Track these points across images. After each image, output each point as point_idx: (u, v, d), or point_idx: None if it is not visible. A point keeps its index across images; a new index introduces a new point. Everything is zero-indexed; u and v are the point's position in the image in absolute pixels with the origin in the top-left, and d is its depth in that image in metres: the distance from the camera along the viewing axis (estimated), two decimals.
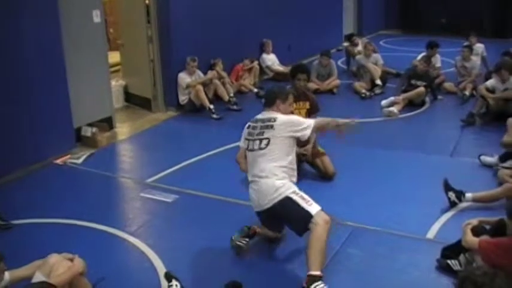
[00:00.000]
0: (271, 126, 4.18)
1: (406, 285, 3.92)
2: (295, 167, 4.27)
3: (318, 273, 3.70)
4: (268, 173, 4.10)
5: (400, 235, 4.59)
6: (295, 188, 4.07)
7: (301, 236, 4.00)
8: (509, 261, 3.36)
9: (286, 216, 4.12)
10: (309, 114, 5.76)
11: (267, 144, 4.15)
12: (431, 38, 10.37)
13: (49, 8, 6.27)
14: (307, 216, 3.85)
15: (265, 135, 4.18)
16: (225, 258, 4.31)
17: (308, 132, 4.24)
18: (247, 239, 4.36)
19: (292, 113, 4.74)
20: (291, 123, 4.23)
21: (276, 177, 4.07)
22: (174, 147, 7.07)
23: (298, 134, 4.23)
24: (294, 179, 4.22)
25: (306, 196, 4.00)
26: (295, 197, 3.98)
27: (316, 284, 3.66)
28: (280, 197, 4.01)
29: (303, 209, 3.90)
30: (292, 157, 4.23)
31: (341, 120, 4.39)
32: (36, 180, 5.97)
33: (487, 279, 2.44)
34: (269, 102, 4.42)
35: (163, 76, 8.49)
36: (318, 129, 4.41)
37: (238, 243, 4.33)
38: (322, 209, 3.91)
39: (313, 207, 3.89)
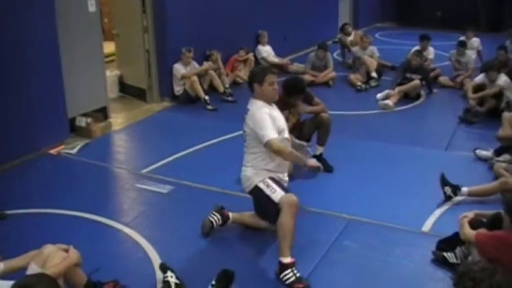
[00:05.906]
0: (244, 119, 4.15)
1: (401, 278, 3.93)
2: (279, 161, 4.10)
3: (287, 260, 3.70)
4: (245, 161, 4.16)
5: (395, 228, 4.60)
6: (265, 176, 4.02)
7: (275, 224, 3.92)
8: (503, 254, 3.39)
9: (258, 205, 4.20)
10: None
11: (246, 137, 4.16)
12: (426, 31, 10.34)
13: None
14: (272, 204, 3.85)
15: (244, 128, 4.17)
16: (219, 249, 4.32)
17: (262, 140, 3.93)
18: (219, 216, 4.39)
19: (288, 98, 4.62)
20: (255, 123, 4.00)
21: (250, 167, 4.10)
22: (169, 138, 7.05)
23: (259, 137, 3.98)
24: (275, 172, 4.06)
25: (271, 183, 3.97)
26: (261, 185, 4.00)
27: (285, 273, 3.69)
28: (251, 186, 4.08)
29: (267, 196, 3.92)
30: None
31: (309, 161, 4.21)
32: (30, 170, 5.93)
33: (485, 275, 2.44)
34: (250, 88, 4.21)
35: (159, 66, 8.44)
36: (276, 152, 3.98)
37: (209, 217, 4.38)
38: (287, 192, 3.88)
39: (276, 194, 3.88)
